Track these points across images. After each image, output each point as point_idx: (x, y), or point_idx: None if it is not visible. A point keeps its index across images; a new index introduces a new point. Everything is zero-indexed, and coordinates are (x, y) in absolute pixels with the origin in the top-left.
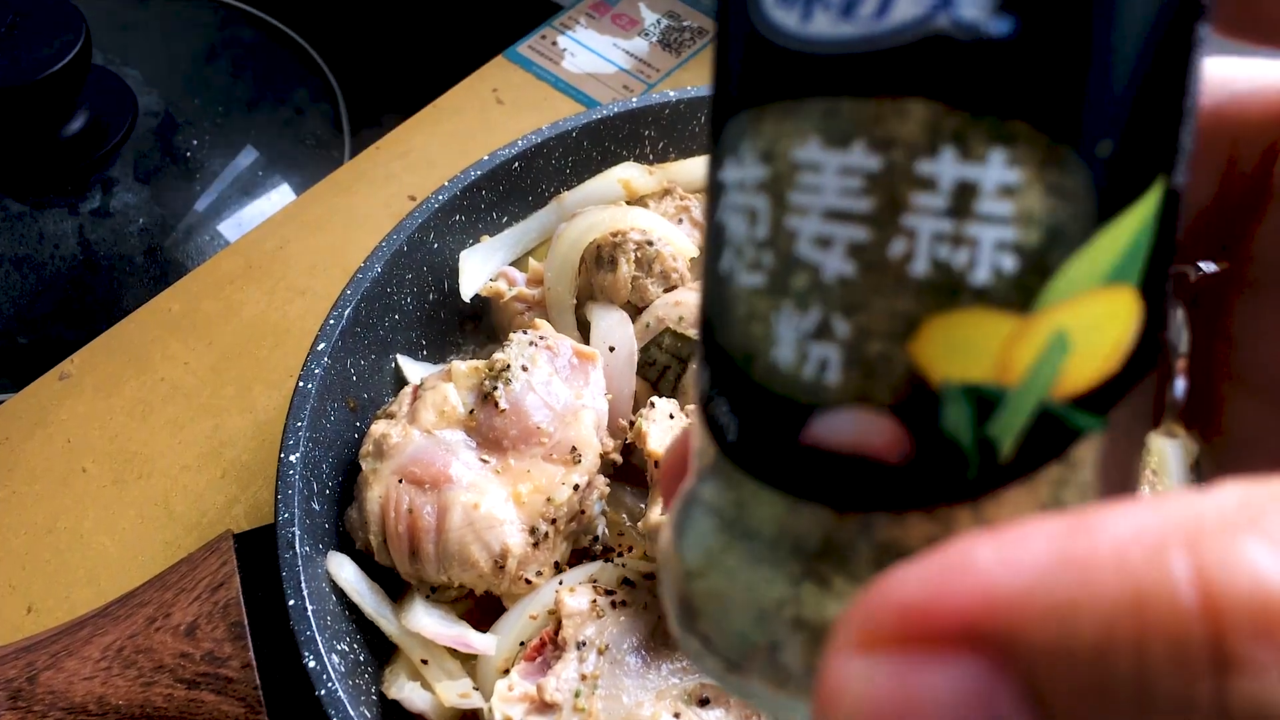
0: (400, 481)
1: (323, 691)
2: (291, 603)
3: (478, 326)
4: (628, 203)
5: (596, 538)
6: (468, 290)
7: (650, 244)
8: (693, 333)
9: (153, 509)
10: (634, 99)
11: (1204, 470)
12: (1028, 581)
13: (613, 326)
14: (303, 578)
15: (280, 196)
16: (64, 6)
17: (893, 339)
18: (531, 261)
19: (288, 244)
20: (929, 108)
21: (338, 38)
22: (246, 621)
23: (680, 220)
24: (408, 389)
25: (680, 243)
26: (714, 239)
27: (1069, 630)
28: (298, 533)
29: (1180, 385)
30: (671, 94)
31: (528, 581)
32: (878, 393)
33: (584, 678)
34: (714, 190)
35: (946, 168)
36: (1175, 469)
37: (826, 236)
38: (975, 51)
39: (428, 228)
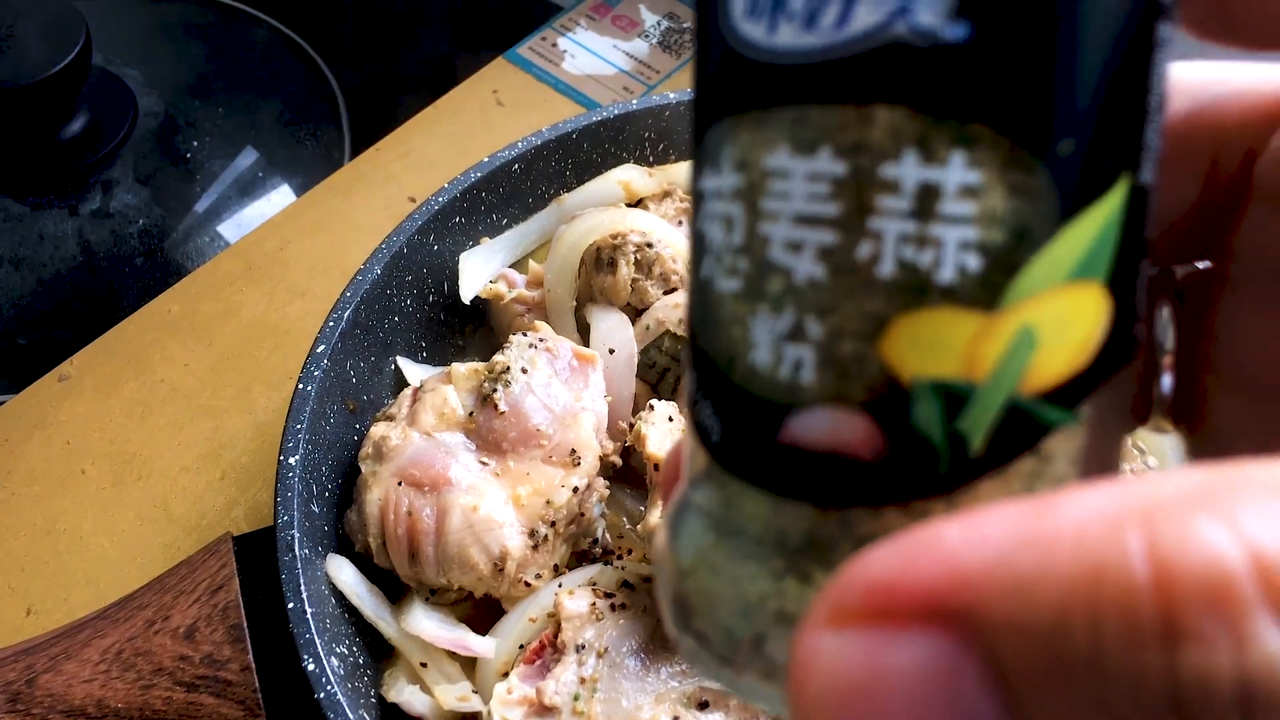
0: (400, 484)
1: (322, 694)
2: (291, 605)
3: (477, 329)
4: (628, 204)
5: (596, 540)
6: (467, 292)
7: (650, 246)
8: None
9: (152, 511)
10: (634, 100)
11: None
12: (990, 559)
13: (612, 329)
14: (302, 580)
15: (280, 198)
16: (64, 7)
17: (863, 339)
18: (531, 263)
19: (287, 245)
20: (891, 113)
21: (338, 39)
22: (245, 624)
23: (680, 222)
24: (407, 391)
25: (680, 245)
26: (695, 247)
27: (1029, 604)
28: (297, 535)
29: (1167, 381)
30: (671, 96)
31: (527, 584)
32: (851, 391)
33: (583, 681)
34: (695, 199)
35: (909, 171)
36: (1174, 464)
37: (797, 241)
38: (933, 57)
39: (428, 229)
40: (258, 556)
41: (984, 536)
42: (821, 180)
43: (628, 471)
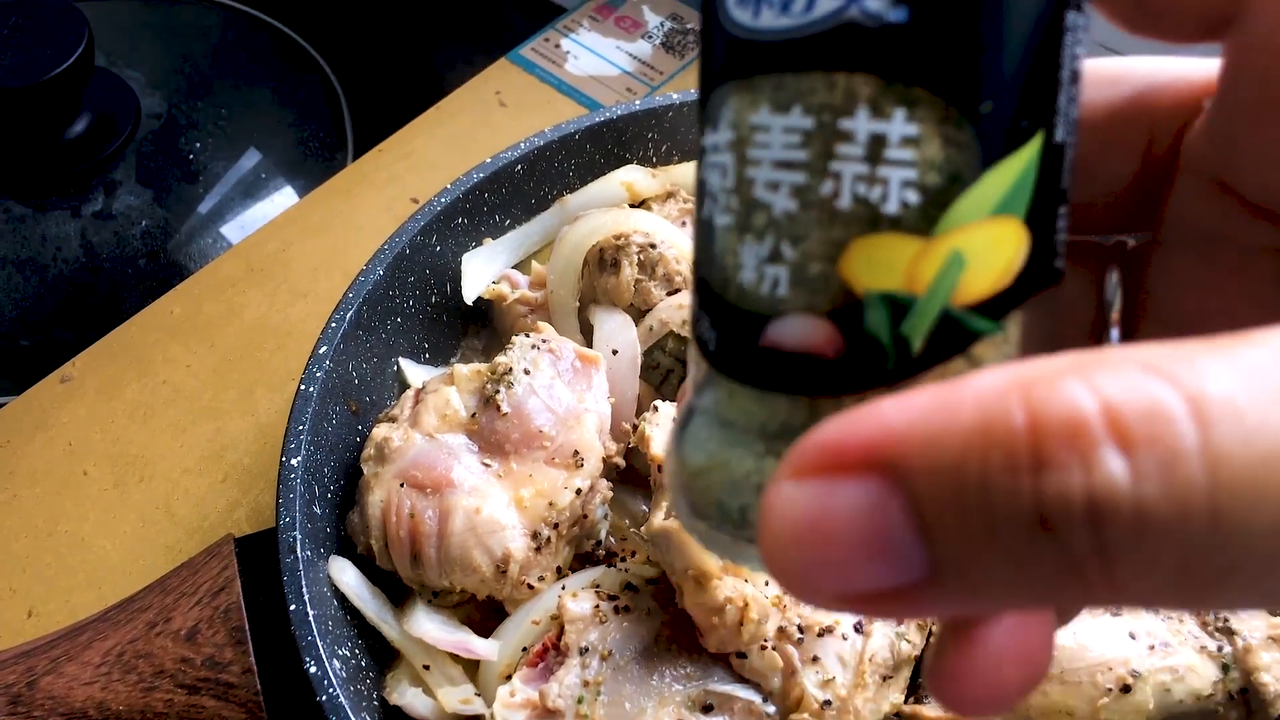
0: (402, 485)
1: (324, 697)
2: (293, 607)
3: (480, 329)
4: (631, 205)
5: (599, 542)
6: (470, 293)
7: (653, 247)
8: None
9: (154, 512)
10: (637, 101)
11: None
12: (912, 419)
13: (616, 329)
14: (304, 582)
15: (283, 199)
16: (67, 8)
17: (827, 260)
18: (534, 264)
19: (290, 246)
20: (848, 79)
21: (340, 40)
22: (247, 626)
23: (684, 223)
24: (410, 392)
25: (684, 245)
26: (700, 193)
27: (938, 452)
28: (299, 537)
29: (1115, 334)
30: (675, 96)
31: (530, 586)
32: (817, 302)
33: (586, 684)
34: (700, 155)
35: (862, 124)
36: None
37: (775, 182)
38: (880, 34)
39: (430, 230)
40: (259, 558)
41: (909, 406)
42: (794, 132)
43: (631, 473)
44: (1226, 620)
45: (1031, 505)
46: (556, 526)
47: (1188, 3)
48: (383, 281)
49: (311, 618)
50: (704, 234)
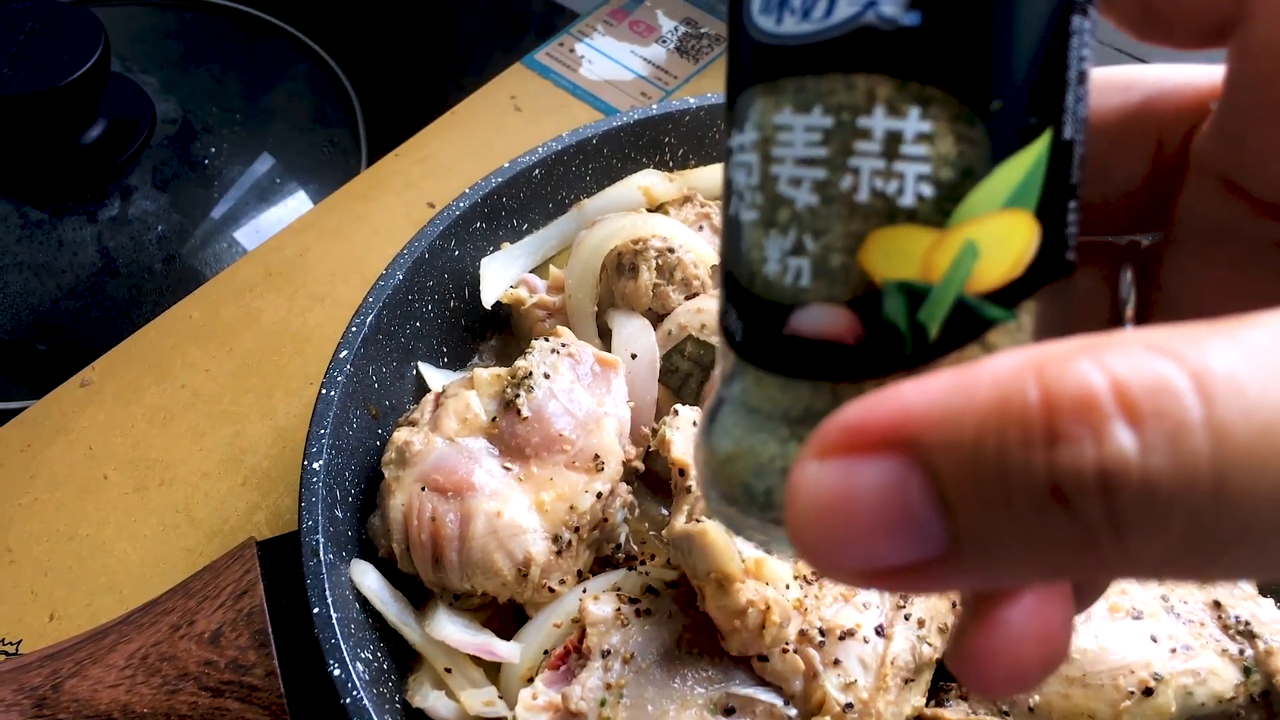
0: (423, 489)
1: (347, 700)
2: (316, 610)
3: (498, 334)
4: (648, 210)
5: (619, 546)
6: (489, 297)
7: (671, 251)
8: (715, 340)
9: (174, 516)
10: (654, 106)
11: None
12: (931, 400)
13: (634, 334)
14: (327, 585)
15: (297, 203)
16: (83, 15)
17: (847, 251)
18: (552, 268)
19: (307, 251)
20: (866, 79)
21: (355, 45)
22: (270, 629)
23: (701, 227)
24: (430, 396)
25: (701, 250)
26: (726, 192)
27: (957, 429)
28: (321, 540)
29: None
30: (692, 101)
31: (551, 590)
32: (838, 292)
33: (609, 686)
34: (726, 155)
35: (879, 122)
36: None
37: (798, 178)
38: (895, 37)
39: (449, 235)
40: (281, 561)
41: (928, 387)
42: (815, 131)
43: (651, 477)
44: (1248, 624)
45: (1046, 477)
46: (577, 530)
47: (1191, 10)
48: (402, 286)
49: (334, 621)
50: (731, 230)
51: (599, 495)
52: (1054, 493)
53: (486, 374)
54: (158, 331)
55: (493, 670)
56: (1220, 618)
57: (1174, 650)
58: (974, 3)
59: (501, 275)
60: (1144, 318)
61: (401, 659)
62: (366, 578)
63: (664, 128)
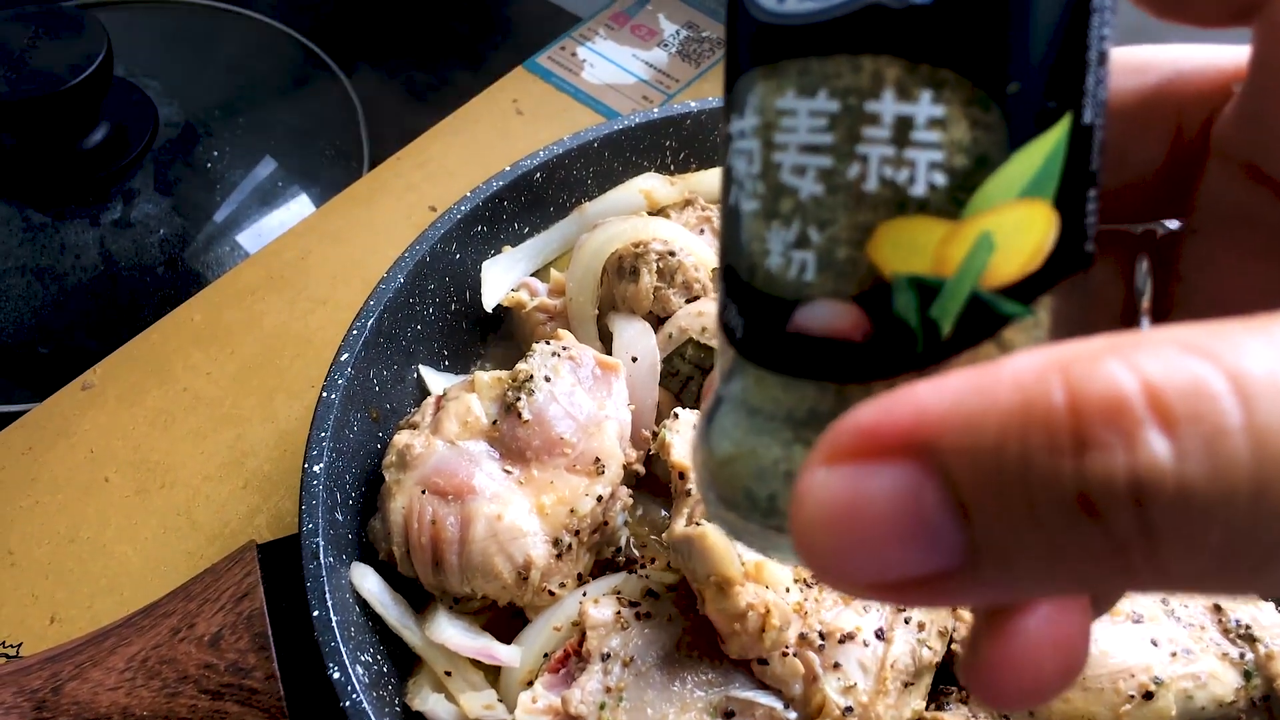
0: (423, 492)
1: (347, 703)
2: (316, 614)
3: (500, 337)
4: (649, 213)
5: (619, 549)
6: (490, 300)
7: (672, 254)
8: (716, 342)
9: (175, 519)
10: (654, 109)
11: None
12: (948, 402)
13: (635, 337)
14: (327, 588)
15: (299, 207)
16: (86, 19)
17: (854, 243)
18: (553, 272)
19: (309, 254)
20: (874, 61)
21: (356, 48)
22: (270, 632)
23: (702, 230)
24: (430, 399)
25: (702, 253)
26: (725, 180)
27: (976, 434)
28: (322, 543)
29: (1145, 323)
30: (693, 104)
31: (551, 593)
32: (845, 287)
33: (609, 690)
34: (725, 141)
35: (888, 107)
36: None
37: (802, 166)
38: (906, 16)
39: (450, 238)
40: (282, 564)
41: (944, 389)
42: (820, 116)
43: (651, 480)
44: (1249, 627)
45: (1073, 486)
46: (578, 533)
47: None
48: (403, 289)
49: (334, 624)
50: (730, 221)
51: (599, 498)
52: (1082, 502)
53: (487, 377)
54: (159, 334)
55: (492, 673)
56: (1221, 621)
57: (1174, 654)
58: None
59: (502, 278)
60: (1161, 310)
61: (401, 662)
62: (367, 581)
63: (665, 131)
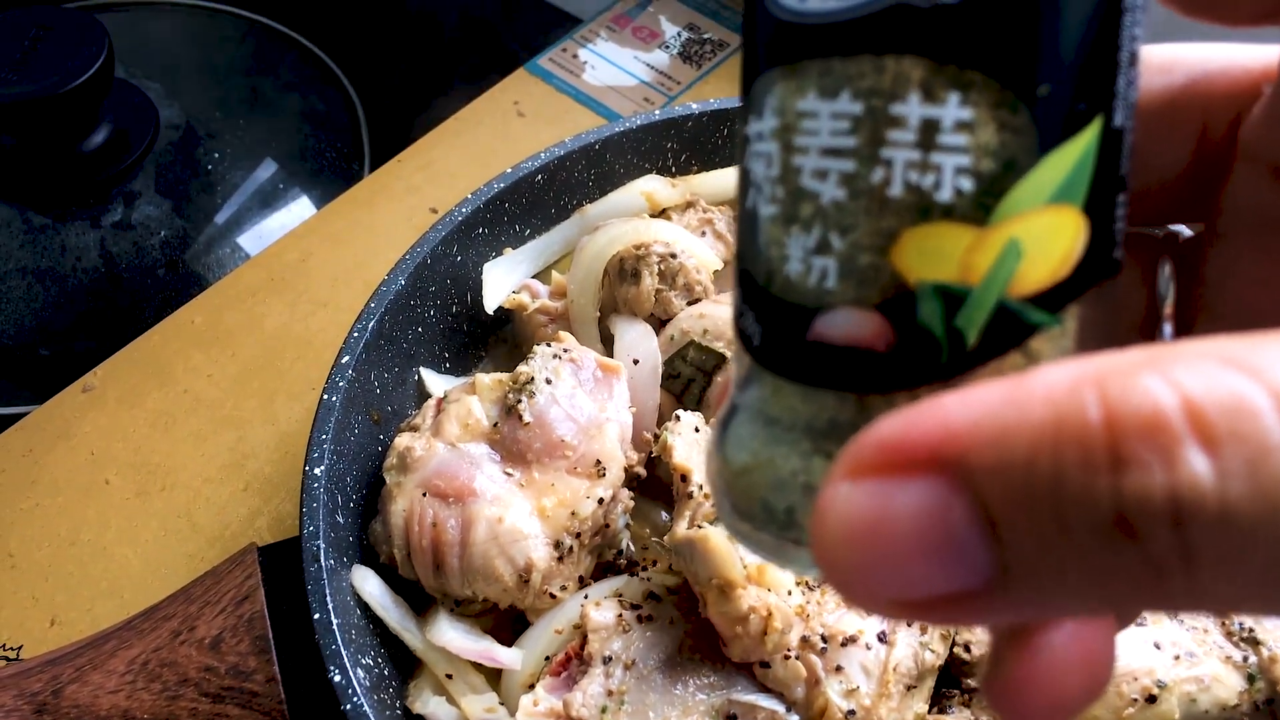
0: (424, 495)
1: (348, 706)
2: (317, 616)
3: (501, 339)
4: (650, 215)
5: (621, 552)
6: (491, 303)
7: (674, 256)
8: (718, 346)
9: (175, 521)
10: (656, 111)
11: None
12: (977, 416)
13: (637, 339)
14: (328, 591)
15: (300, 209)
16: (86, 20)
17: (877, 250)
18: (555, 274)
19: (310, 256)
20: (899, 62)
21: (357, 50)
22: (271, 635)
23: (703, 233)
24: (431, 401)
25: (704, 255)
26: (742, 183)
27: (1006, 449)
28: (323, 546)
29: (1168, 330)
30: (694, 106)
31: (552, 596)
32: (867, 294)
33: (610, 693)
34: (742, 143)
35: (914, 109)
36: None
37: (823, 170)
38: (934, 16)
39: (451, 240)
40: (282, 567)
41: (973, 402)
42: (843, 118)
43: (652, 482)
44: (1252, 630)
45: (1110, 506)
46: (579, 536)
47: None
48: (404, 291)
49: (335, 626)
50: (747, 225)
51: (601, 501)
52: (1119, 523)
53: (488, 379)
54: (160, 336)
55: (494, 676)
56: (1224, 624)
57: (1177, 657)
58: None
59: (504, 280)
60: (1185, 316)
61: (402, 665)
62: (367, 583)
63: (667, 133)
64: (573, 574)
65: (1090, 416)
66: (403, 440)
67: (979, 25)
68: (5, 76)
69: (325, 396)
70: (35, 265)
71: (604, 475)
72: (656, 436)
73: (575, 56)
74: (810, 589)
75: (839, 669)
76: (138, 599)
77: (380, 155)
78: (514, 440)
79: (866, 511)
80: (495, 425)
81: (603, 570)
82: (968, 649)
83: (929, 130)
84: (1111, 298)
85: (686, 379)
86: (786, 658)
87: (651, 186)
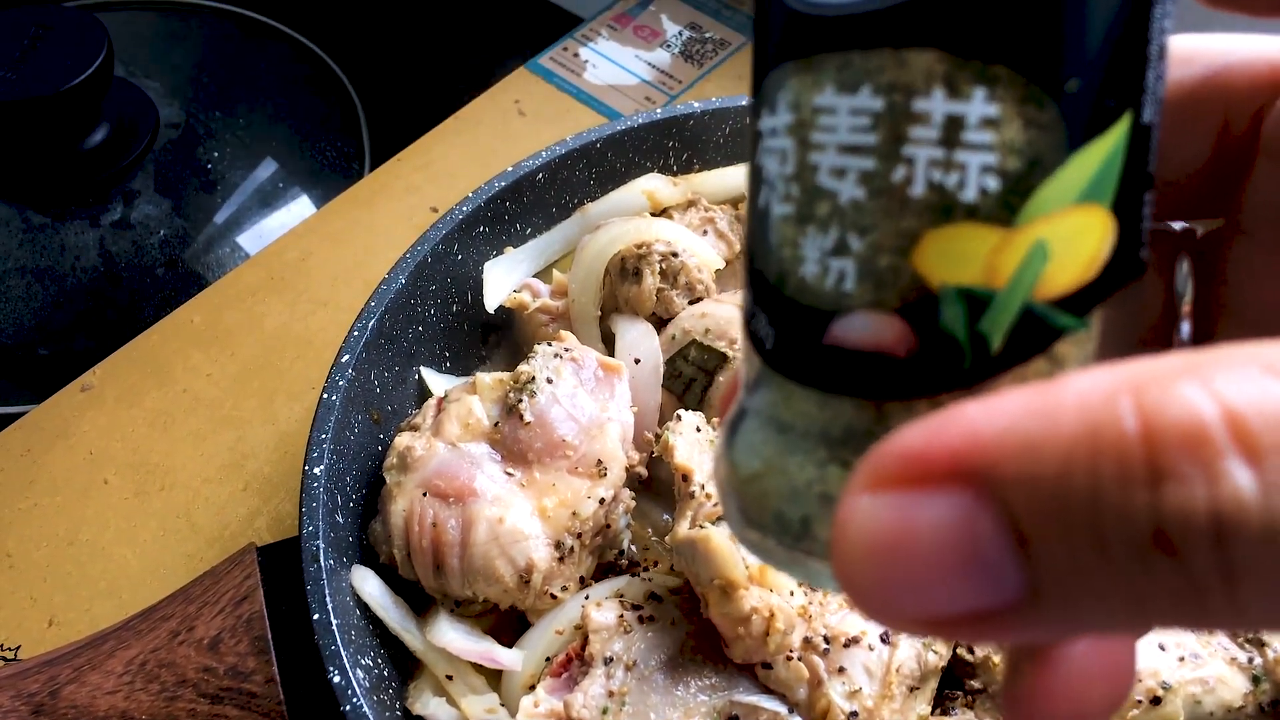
0: (424, 494)
1: (347, 707)
2: (316, 617)
3: (501, 338)
4: (652, 214)
5: (622, 552)
6: (492, 302)
7: (675, 255)
8: (720, 345)
9: (174, 521)
10: (658, 110)
11: None
12: (1004, 425)
13: (638, 338)
14: (327, 591)
15: (300, 208)
16: (86, 19)
17: (898, 251)
18: (555, 273)
19: (309, 256)
20: (922, 56)
21: (358, 49)
22: (270, 635)
23: (705, 231)
24: (432, 401)
25: (705, 254)
26: (754, 180)
27: (1037, 460)
28: (322, 546)
29: (1186, 328)
30: (696, 105)
31: (553, 596)
32: (887, 297)
33: (611, 694)
34: (753, 139)
35: (938, 105)
36: None
37: (841, 168)
38: (956, 7)
39: (451, 239)
40: (282, 567)
41: (1000, 410)
42: (862, 114)
43: (653, 483)
44: (1257, 631)
45: (1148, 521)
46: (580, 536)
47: None
48: (405, 290)
49: (335, 627)
50: (759, 223)
51: (602, 501)
52: (1157, 539)
53: (489, 379)
54: (159, 336)
55: (494, 677)
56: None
57: (1182, 658)
58: None
59: (504, 280)
60: (1204, 315)
61: (402, 666)
62: (367, 584)
63: (668, 132)
64: (574, 574)
65: (1126, 427)
66: (403, 440)
67: (1005, 17)
68: (5, 76)
69: (325, 396)
70: (34, 264)
71: (605, 475)
72: (658, 436)
73: (576, 55)
74: (813, 590)
75: (841, 670)
76: (136, 599)
77: (380, 154)
78: (515, 440)
79: (888, 525)
80: (496, 425)
81: (604, 571)
82: (970, 650)
83: (953, 127)
84: (1136, 299)
85: (688, 378)
86: (789, 659)
87: (653, 185)
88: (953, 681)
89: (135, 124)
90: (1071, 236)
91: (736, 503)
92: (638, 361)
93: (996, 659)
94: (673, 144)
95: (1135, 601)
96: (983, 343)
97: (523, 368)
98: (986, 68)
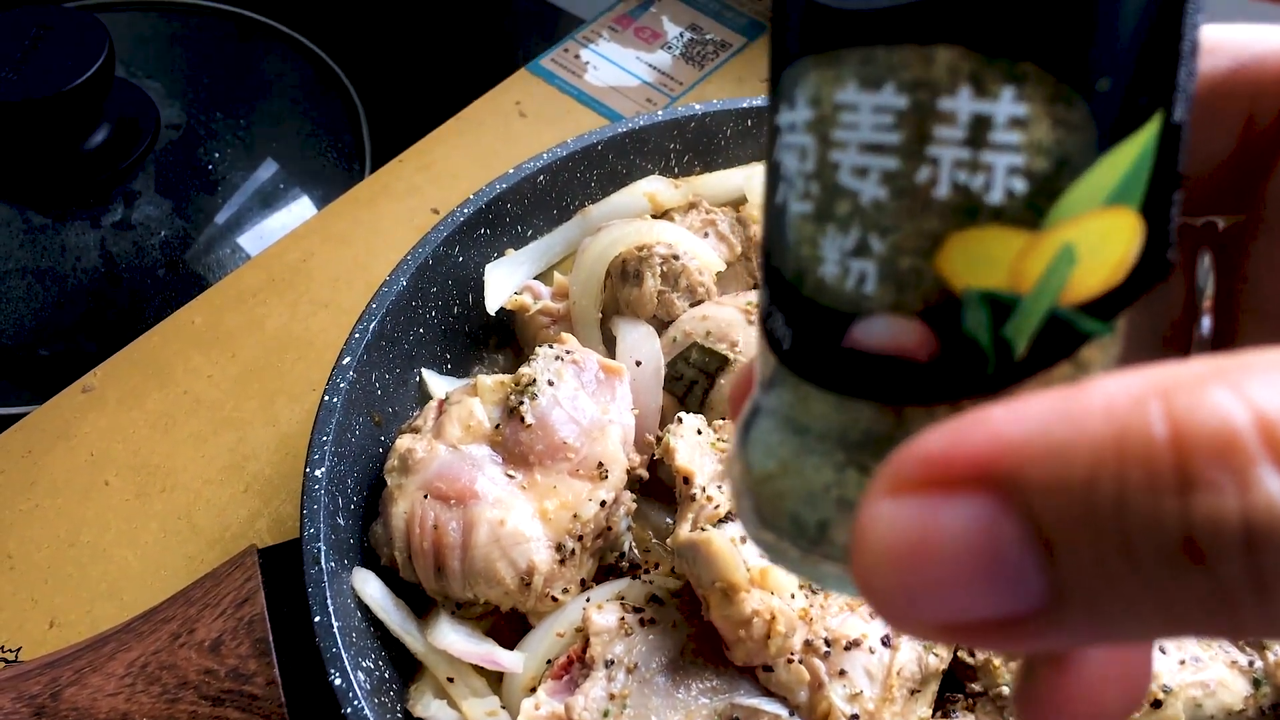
0: (425, 497)
1: (348, 709)
2: (317, 619)
3: (502, 340)
4: (653, 216)
5: (623, 554)
6: (493, 304)
7: (676, 258)
8: (721, 348)
9: (175, 523)
10: (659, 111)
11: None
12: (1030, 430)
13: (639, 341)
14: (328, 594)
15: (301, 209)
16: (87, 19)
17: (920, 254)
18: (556, 275)
19: (310, 257)
20: (949, 53)
21: (359, 51)
22: (271, 637)
23: (706, 234)
24: (433, 403)
25: (706, 256)
26: (771, 176)
27: (1063, 466)
28: (323, 548)
29: (1206, 323)
30: (697, 107)
31: (554, 599)
32: (909, 300)
33: (612, 697)
34: (771, 133)
35: (964, 104)
36: None
37: (863, 167)
38: (987, 2)
39: (452, 241)
40: (283, 569)
41: (1025, 414)
42: (886, 112)
43: (654, 485)
44: None
45: (1178, 529)
46: (581, 538)
47: None
48: (406, 292)
49: (336, 629)
50: (777, 221)
51: (603, 503)
52: (1186, 547)
53: (490, 381)
54: (160, 337)
55: (495, 680)
56: None
57: (1183, 662)
58: None
59: (506, 281)
60: (1226, 311)
61: (403, 668)
62: (368, 586)
63: (669, 134)
64: (574, 577)
65: (1155, 433)
66: (404, 442)
67: (1034, 13)
68: (5, 76)
69: (326, 398)
70: (35, 265)
71: (606, 477)
72: (659, 439)
73: (577, 57)
74: (814, 592)
75: (842, 673)
76: (137, 601)
77: (381, 155)
78: (516, 442)
79: (910, 531)
80: (497, 427)
81: (605, 573)
82: (971, 653)
83: (980, 127)
84: (1162, 301)
85: (689, 381)
86: (790, 661)
87: (654, 187)
88: (953, 684)
89: (136, 125)
90: (1099, 240)
91: (751, 503)
92: (639, 364)
93: (997, 662)
94: (674, 146)
95: (1163, 610)
96: (1007, 348)
97: (524, 370)
98: (1015, 66)
